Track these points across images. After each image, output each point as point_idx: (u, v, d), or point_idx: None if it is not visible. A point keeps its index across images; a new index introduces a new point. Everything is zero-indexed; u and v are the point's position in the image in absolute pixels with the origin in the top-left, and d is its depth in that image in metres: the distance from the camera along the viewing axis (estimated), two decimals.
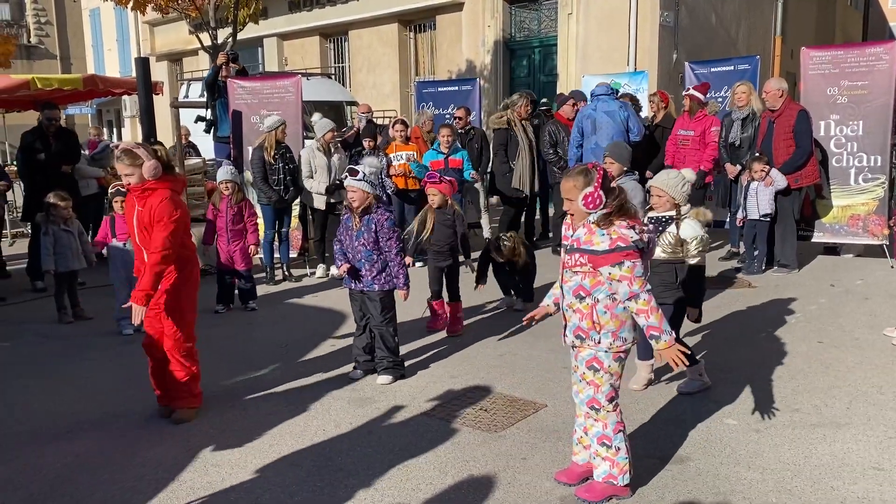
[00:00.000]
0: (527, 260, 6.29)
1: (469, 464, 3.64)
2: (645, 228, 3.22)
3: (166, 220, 4.03)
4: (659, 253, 4.24)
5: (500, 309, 6.53)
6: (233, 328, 6.19)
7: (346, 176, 4.68)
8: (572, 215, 3.24)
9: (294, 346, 5.67)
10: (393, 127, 8.67)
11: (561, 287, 3.31)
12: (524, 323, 3.63)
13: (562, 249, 3.32)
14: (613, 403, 3.24)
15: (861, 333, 5.49)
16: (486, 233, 9.17)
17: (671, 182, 4.24)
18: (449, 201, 5.79)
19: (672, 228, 4.26)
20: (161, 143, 4.21)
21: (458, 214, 5.79)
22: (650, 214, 4.36)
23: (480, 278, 6.21)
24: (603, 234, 3.08)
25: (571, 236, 3.23)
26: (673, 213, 4.28)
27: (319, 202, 7.81)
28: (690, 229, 4.25)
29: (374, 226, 4.66)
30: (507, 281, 6.47)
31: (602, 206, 3.09)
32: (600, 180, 3.10)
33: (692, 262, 4.28)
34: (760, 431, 3.92)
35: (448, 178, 5.92)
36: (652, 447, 3.75)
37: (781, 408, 4.22)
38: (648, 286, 3.10)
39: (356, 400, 4.53)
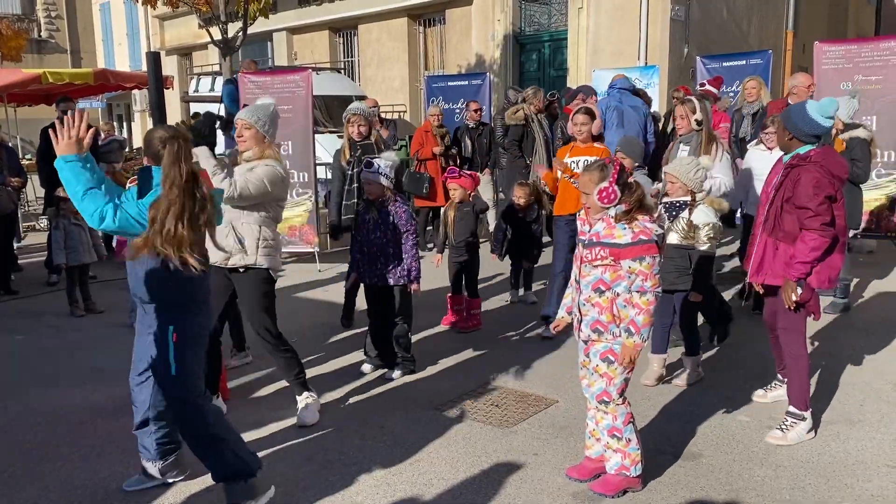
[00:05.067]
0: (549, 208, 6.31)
1: (481, 459, 3.65)
2: (659, 222, 3.24)
3: None
4: (672, 238, 4.27)
5: (510, 304, 6.52)
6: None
7: (362, 168, 4.70)
8: (588, 209, 3.23)
9: (304, 339, 5.67)
10: (571, 119, 5.43)
11: (577, 282, 3.29)
12: (553, 334, 3.60)
13: (578, 244, 3.31)
14: (623, 396, 3.26)
15: (875, 330, 5.46)
16: (492, 228, 9.16)
17: (683, 169, 4.28)
18: (470, 195, 5.82)
19: (685, 213, 4.28)
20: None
21: (476, 197, 5.81)
22: (664, 200, 4.40)
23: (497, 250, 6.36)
24: (624, 228, 3.10)
25: (589, 231, 3.23)
26: (688, 198, 4.32)
27: None
28: (703, 215, 4.28)
29: (391, 218, 4.61)
30: (519, 268, 6.48)
31: (617, 202, 3.10)
32: (616, 175, 3.10)
33: (702, 248, 4.32)
34: (773, 428, 3.91)
35: (469, 173, 5.97)
36: (664, 443, 3.74)
37: None
38: (659, 289, 3.13)
39: (368, 395, 4.53)
